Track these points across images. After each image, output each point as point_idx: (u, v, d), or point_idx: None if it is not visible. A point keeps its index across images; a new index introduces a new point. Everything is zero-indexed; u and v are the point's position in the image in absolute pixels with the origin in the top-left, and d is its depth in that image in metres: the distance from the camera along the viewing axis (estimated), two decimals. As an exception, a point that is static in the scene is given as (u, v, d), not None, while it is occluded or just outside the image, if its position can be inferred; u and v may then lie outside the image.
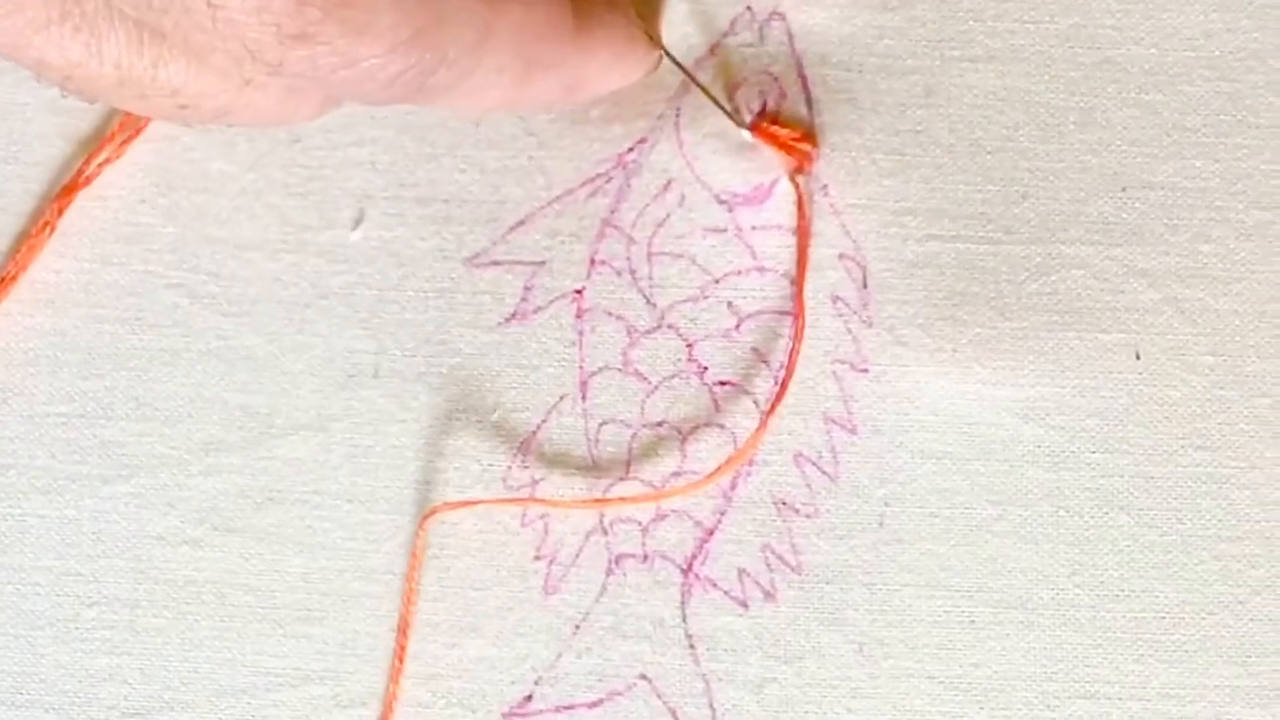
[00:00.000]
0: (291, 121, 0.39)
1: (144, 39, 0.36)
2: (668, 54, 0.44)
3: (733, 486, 0.44)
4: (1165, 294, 0.44)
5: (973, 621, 0.44)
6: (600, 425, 0.45)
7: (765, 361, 0.45)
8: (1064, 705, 0.43)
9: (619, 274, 0.45)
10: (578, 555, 0.44)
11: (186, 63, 0.37)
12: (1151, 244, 0.45)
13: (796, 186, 0.44)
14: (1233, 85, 0.45)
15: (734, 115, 0.45)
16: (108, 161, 0.46)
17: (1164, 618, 0.43)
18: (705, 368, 0.45)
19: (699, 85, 0.45)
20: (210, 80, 0.37)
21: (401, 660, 0.44)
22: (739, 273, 0.45)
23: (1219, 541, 0.44)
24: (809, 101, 0.45)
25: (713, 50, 0.45)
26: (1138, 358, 0.44)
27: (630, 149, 0.45)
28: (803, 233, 0.44)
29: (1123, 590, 0.44)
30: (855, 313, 0.44)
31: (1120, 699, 0.43)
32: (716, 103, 0.45)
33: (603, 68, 0.42)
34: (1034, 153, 0.45)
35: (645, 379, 0.45)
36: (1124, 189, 0.45)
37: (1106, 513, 0.44)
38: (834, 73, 0.45)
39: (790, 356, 0.44)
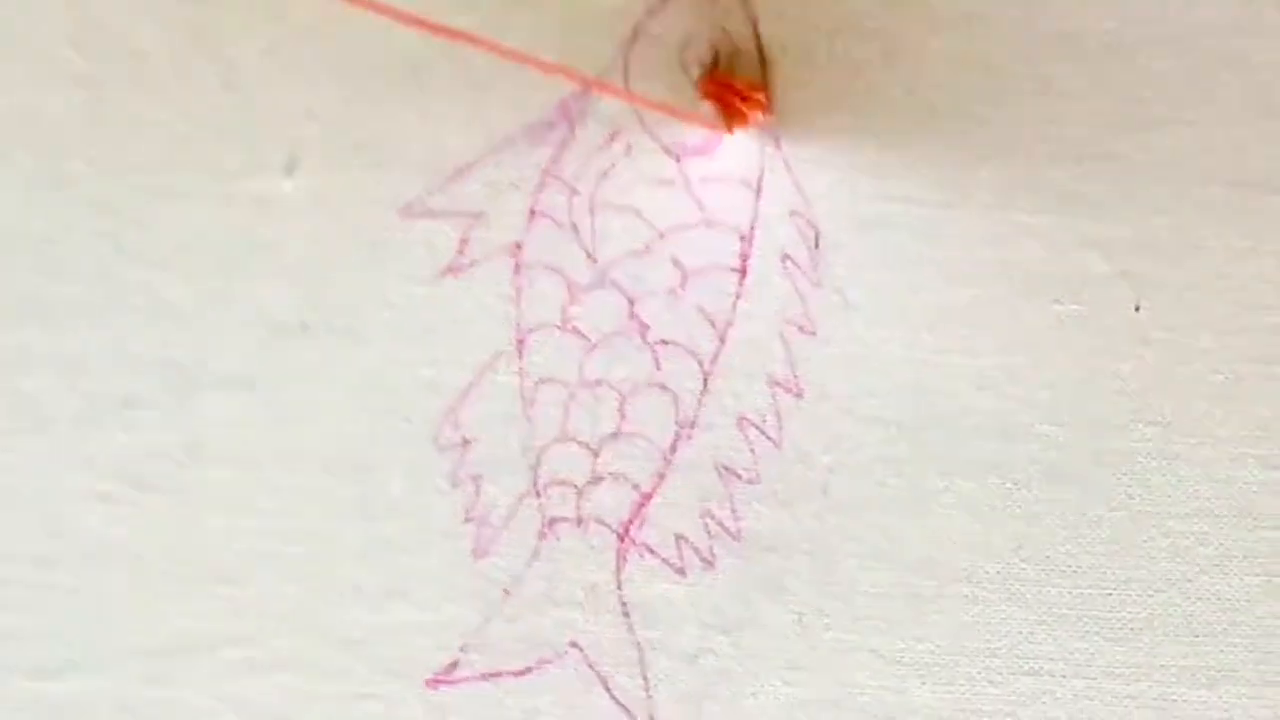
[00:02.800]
0: None
1: None
2: None
3: (673, 449, 0.43)
4: (1119, 266, 0.44)
5: (916, 594, 0.43)
6: (537, 384, 0.43)
7: (711, 321, 0.43)
8: (1007, 681, 0.42)
9: (560, 227, 0.44)
10: (509, 518, 0.43)
11: None
12: (1106, 216, 0.44)
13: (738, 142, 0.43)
14: (1189, 60, 0.44)
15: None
16: None
17: (1110, 594, 0.43)
18: (647, 326, 0.43)
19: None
20: None
21: None
22: (685, 227, 0.44)
23: (1168, 518, 0.43)
24: (762, 57, 0.44)
25: (664, 1, 0.44)
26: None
27: (574, 95, 0.44)
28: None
29: (1069, 566, 0.43)
30: (804, 273, 0.43)
31: (1065, 676, 0.42)
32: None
33: None
34: (990, 119, 0.44)
35: (585, 337, 0.43)
36: (1079, 159, 0.44)
37: (1055, 486, 0.43)
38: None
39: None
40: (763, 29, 0.44)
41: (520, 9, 0.45)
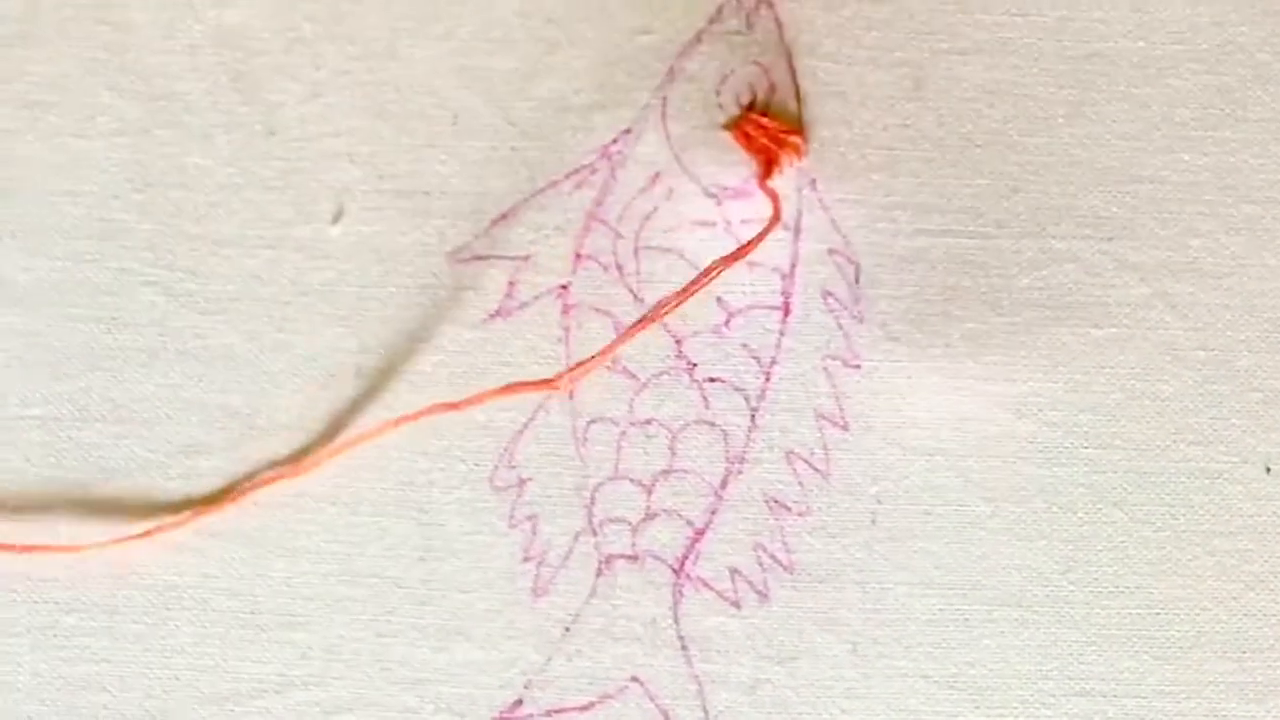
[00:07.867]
0: None
1: None
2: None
3: (724, 485, 0.44)
4: (1156, 288, 0.44)
5: (966, 619, 0.43)
6: (588, 424, 0.44)
7: (756, 358, 0.44)
8: (1059, 703, 0.43)
9: (605, 269, 0.44)
10: (567, 556, 0.44)
11: None
12: (1142, 238, 0.44)
13: (769, 193, 0.44)
14: (1220, 79, 0.45)
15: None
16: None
17: (1158, 614, 0.43)
18: (694, 364, 0.44)
19: None
20: None
21: None
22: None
23: (1212, 537, 0.44)
24: (798, 95, 0.45)
25: (699, 37, 0.45)
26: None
27: (614, 140, 0.45)
28: (775, 218, 0.44)
29: (1117, 586, 0.43)
30: (846, 308, 0.44)
31: (1115, 696, 0.43)
32: None
33: None
34: (1023, 146, 0.44)
35: (633, 376, 0.44)
36: (1113, 183, 0.44)
37: (1100, 508, 0.44)
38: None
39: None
40: (797, 63, 0.45)
41: (556, 51, 0.45)
